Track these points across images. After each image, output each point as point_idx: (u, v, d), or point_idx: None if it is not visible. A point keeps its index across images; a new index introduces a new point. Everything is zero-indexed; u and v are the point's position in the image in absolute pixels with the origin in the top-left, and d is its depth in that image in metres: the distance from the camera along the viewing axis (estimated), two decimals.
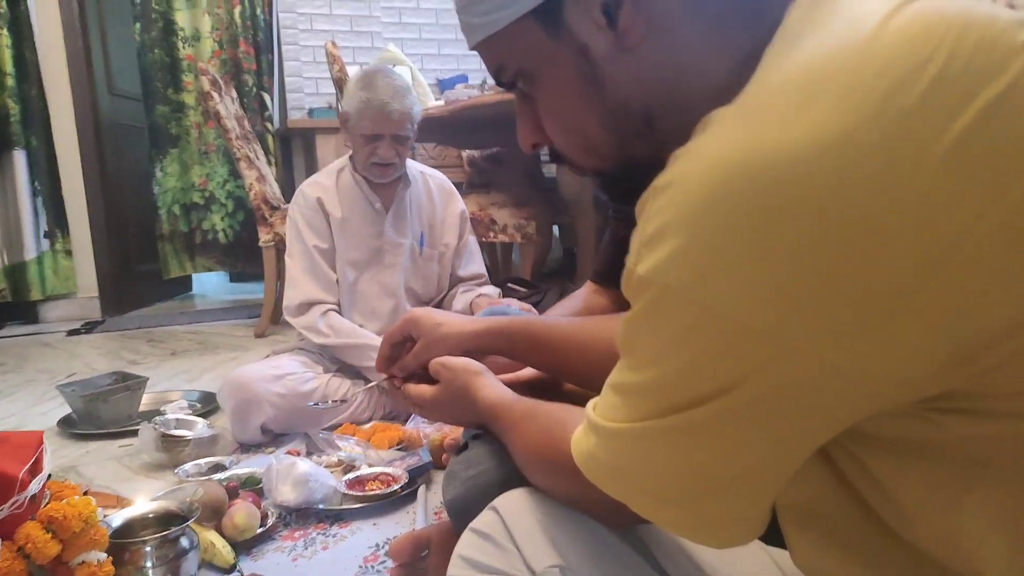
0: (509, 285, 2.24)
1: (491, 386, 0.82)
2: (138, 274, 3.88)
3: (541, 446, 0.67)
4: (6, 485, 0.87)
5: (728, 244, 0.38)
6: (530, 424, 0.71)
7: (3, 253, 3.47)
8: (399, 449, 1.52)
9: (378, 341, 1.61)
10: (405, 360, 0.93)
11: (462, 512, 0.81)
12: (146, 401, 1.97)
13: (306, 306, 1.79)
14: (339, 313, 1.82)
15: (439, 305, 1.97)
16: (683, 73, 0.50)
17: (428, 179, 1.98)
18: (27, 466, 0.92)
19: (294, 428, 1.68)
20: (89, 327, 3.37)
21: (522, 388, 0.88)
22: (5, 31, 3.38)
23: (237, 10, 3.75)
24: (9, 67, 3.40)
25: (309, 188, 1.88)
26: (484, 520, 0.72)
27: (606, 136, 0.55)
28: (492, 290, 1.98)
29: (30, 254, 3.47)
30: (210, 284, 4.76)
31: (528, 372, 0.99)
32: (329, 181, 1.88)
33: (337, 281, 1.85)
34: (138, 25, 3.67)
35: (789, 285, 0.37)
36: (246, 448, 1.65)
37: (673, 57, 0.50)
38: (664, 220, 0.41)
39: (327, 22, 4.05)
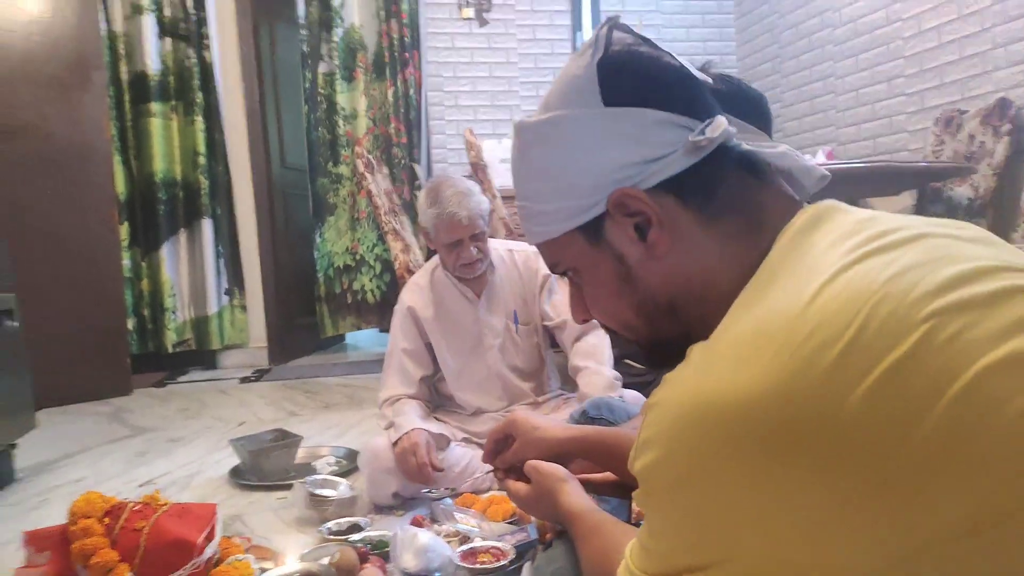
0: (626, 361, 2.35)
1: (572, 494, 0.95)
2: (299, 326, 4.33)
3: (597, 564, 0.81)
4: (186, 550, 1.11)
5: (691, 464, 0.51)
6: (594, 540, 0.84)
7: (191, 308, 4.01)
8: (511, 522, 1.67)
9: (409, 426, 1.84)
10: (506, 456, 1.08)
11: None
12: (300, 455, 2.25)
13: (390, 402, 2.01)
14: (416, 400, 2.02)
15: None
16: (701, 275, 0.63)
17: (514, 255, 2.13)
18: (203, 534, 1.16)
19: (417, 494, 1.87)
20: (258, 375, 3.81)
21: (602, 486, 1.04)
22: (199, 117, 3.96)
23: (391, 91, 4.15)
24: (201, 147, 3.97)
25: (406, 293, 2.10)
26: None
27: (638, 321, 0.68)
28: (609, 372, 2.03)
29: (212, 309, 3.99)
30: (363, 335, 5.18)
31: (607, 475, 1.12)
32: (424, 280, 2.09)
33: (431, 375, 2.07)
34: (306, 106, 4.16)
35: (740, 499, 0.49)
36: (380, 509, 1.86)
37: (693, 263, 0.63)
38: (650, 433, 0.54)
39: (470, 98, 4.40)
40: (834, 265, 0.53)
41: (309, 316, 4.31)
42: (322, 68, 4.10)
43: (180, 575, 1.09)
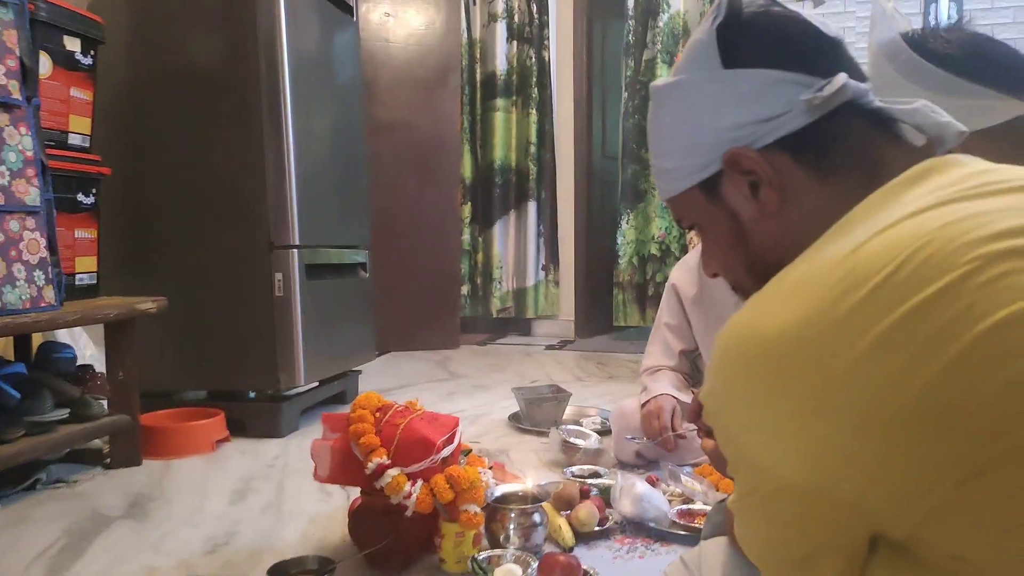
0: None
1: None
2: (604, 305, 4.59)
3: None
4: (428, 447, 1.37)
5: (731, 391, 0.56)
6: None
7: (513, 279, 4.52)
8: None
9: (659, 391, 1.93)
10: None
11: None
12: (570, 411, 2.47)
13: (650, 371, 2.08)
14: (675, 371, 2.08)
15: None
16: (809, 233, 0.63)
17: None
18: (444, 438, 1.41)
19: (662, 458, 1.96)
20: (562, 344, 4.17)
21: None
22: (534, 110, 4.42)
23: None
24: (533, 137, 4.42)
25: (675, 271, 2.15)
26: (692, 553, 0.94)
27: (748, 278, 0.71)
28: None
29: (530, 282, 4.45)
30: None
31: None
32: (693, 260, 2.11)
33: (691, 351, 2.11)
34: (625, 94, 4.37)
35: (765, 418, 0.53)
36: (623, 465, 1.99)
37: (802, 221, 0.65)
38: (711, 365, 0.60)
39: None
40: (902, 213, 0.53)
41: (611, 297, 4.55)
42: (645, 55, 4.25)
43: (421, 466, 1.36)
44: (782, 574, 0.63)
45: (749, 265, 0.71)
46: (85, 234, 2.05)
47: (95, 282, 2.10)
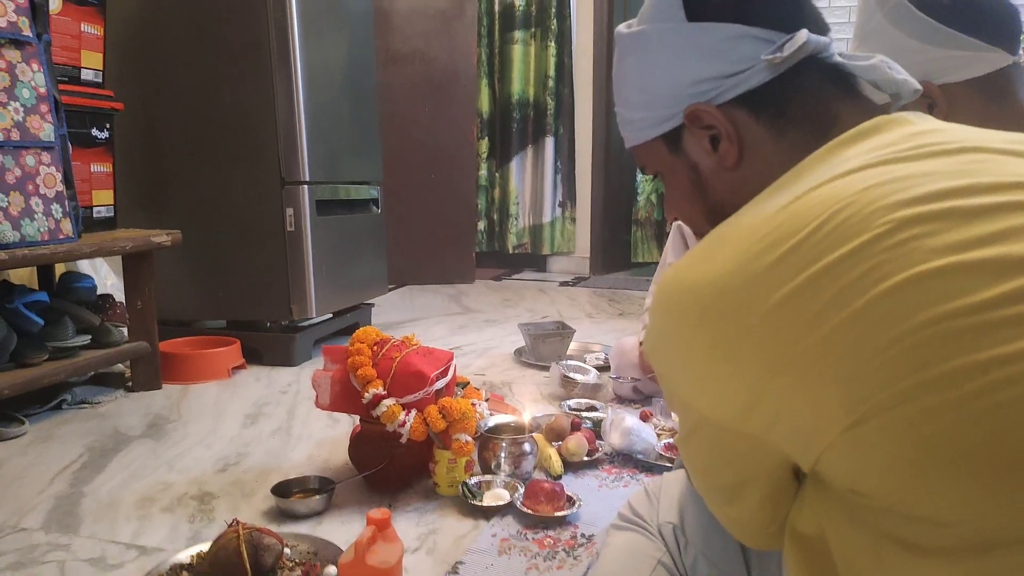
0: None
1: None
2: (621, 243, 4.61)
3: None
4: (422, 379, 1.43)
5: (663, 334, 0.59)
6: None
7: (530, 215, 4.53)
8: None
9: None
10: None
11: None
12: (574, 347, 2.53)
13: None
14: None
15: None
16: (764, 186, 0.64)
17: None
18: (438, 371, 1.47)
19: (657, 394, 2.02)
20: (576, 281, 4.21)
21: None
22: (553, 43, 4.34)
23: None
24: (551, 71, 4.36)
25: None
26: (654, 483, 1.00)
27: (707, 226, 0.73)
28: None
29: (547, 218, 4.46)
30: None
31: None
32: None
33: None
34: None
35: (688, 360, 0.57)
36: (621, 400, 2.05)
37: (761, 175, 0.66)
38: (651, 309, 0.63)
39: None
40: (834, 172, 0.55)
41: (628, 235, 4.55)
42: None
43: (415, 397, 1.43)
44: (716, 502, 0.69)
45: (707, 213, 0.73)
46: (101, 168, 2.11)
47: (112, 215, 2.17)
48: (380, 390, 1.42)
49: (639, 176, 4.26)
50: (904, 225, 0.48)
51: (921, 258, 0.47)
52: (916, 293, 0.46)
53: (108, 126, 2.12)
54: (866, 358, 0.47)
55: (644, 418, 1.82)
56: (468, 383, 1.76)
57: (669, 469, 1.57)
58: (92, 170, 2.08)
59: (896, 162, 0.55)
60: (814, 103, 0.66)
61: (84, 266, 2.48)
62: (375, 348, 1.50)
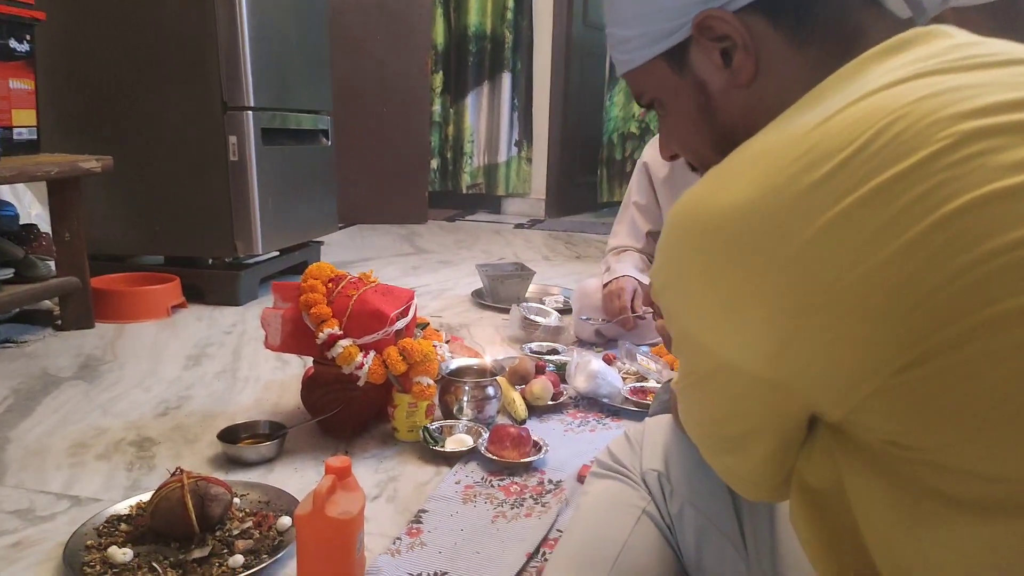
0: None
1: None
2: (579, 184, 4.53)
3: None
4: (381, 319, 1.34)
5: (676, 269, 0.51)
6: None
7: (485, 154, 4.40)
8: None
9: (621, 272, 1.89)
10: None
11: None
12: (533, 289, 2.47)
13: (617, 251, 2.04)
14: (642, 253, 2.03)
15: None
16: (782, 105, 0.56)
17: None
18: (398, 311, 1.38)
19: (620, 337, 1.97)
20: (532, 223, 4.13)
21: None
22: None
23: None
24: (510, 1, 4.18)
25: (648, 148, 2.07)
26: (635, 429, 0.94)
27: (715, 156, 0.65)
28: None
29: (502, 158, 4.34)
30: None
31: None
32: None
33: (660, 232, 2.04)
34: None
35: (706, 298, 0.49)
36: (582, 344, 2.00)
37: (775, 92, 0.58)
38: (660, 241, 0.56)
39: None
40: (874, 85, 0.48)
41: (590, 176, 4.47)
42: None
43: (374, 337, 1.34)
44: (716, 453, 0.63)
45: (716, 141, 0.65)
46: (21, 85, 1.91)
47: (35, 137, 1.97)
48: (336, 330, 1.33)
49: (606, 114, 4.16)
50: (968, 139, 0.42)
51: (989, 176, 0.41)
52: (985, 216, 0.40)
53: (28, 37, 1.91)
54: (926, 291, 0.41)
55: (608, 361, 1.78)
56: (428, 324, 1.68)
57: (634, 413, 1.54)
58: (11, 86, 1.88)
59: (947, 72, 0.48)
60: (837, 13, 0.58)
61: (4, 192, 2.28)
62: (330, 285, 1.40)
